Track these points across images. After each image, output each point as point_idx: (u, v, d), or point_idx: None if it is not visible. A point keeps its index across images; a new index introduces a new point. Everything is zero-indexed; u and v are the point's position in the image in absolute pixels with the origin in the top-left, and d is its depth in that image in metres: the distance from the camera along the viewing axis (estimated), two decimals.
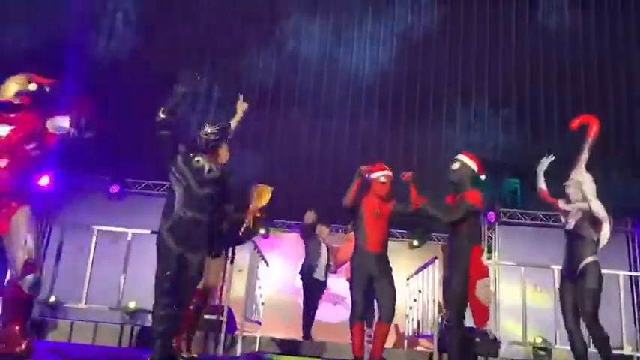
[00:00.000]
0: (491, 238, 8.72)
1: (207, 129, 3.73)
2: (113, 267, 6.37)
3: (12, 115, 3.04)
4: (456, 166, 4.16)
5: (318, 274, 7.08)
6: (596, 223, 3.95)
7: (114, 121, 9.90)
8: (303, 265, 7.22)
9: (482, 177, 4.19)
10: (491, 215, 8.61)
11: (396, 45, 10.80)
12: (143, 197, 8.51)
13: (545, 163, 4.47)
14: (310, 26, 10.74)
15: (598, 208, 3.91)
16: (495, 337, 6.61)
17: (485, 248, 8.70)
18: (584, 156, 4.11)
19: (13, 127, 2.99)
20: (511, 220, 8.85)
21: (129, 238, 6.30)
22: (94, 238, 6.26)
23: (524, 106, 10.34)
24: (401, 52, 10.79)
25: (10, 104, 3.06)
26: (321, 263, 7.10)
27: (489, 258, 8.48)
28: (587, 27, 10.37)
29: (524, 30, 10.51)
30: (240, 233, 4.27)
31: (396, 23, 10.85)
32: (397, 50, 10.79)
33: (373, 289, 4.38)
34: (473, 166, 4.16)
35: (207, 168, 3.64)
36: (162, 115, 3.52)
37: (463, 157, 4.19)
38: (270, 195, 4.49)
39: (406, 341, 7.55)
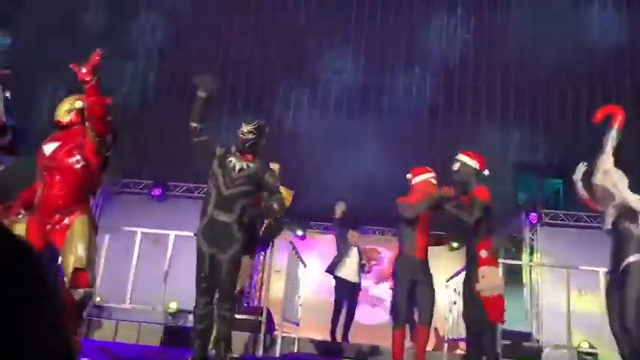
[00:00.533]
0: (533, 240, 8.51)
1: (244, 127, 3.65)
2: (156, 268, 6.53)
3: (60, 133, 3.17)
4: (455, 166, 4.13)
5: (349, 274, 7.01)
6: (635, 219, 3.78)
7: (155, 126, 10.28)
8: (331, 262, 7.20)
9: (486, 172, 4.10)
10: (533, 216, 8.41)
11: (432, 65, 10.72)
12: (184, 200, 8.68)
13: (580, 170, 4.21)
14: (344, 61, 10.79)
15: (635, 201, 3.70)
16: (538, 341, 6.48)
17: (528, 250, 8.51)
18: (609, 149, 3.78)
19: (59, 144, 3.11)
20: (553, 222, 8.61)
21: (171, 240, 6.44)
22: (138, 240, 6.41)
23: (566, 105, 10.09)
24: (437, 65, 10.71)
25: (60, 123, 3.19)
26: (352, 264, 7.04)
27: (531, 260, 8.29)
28: (633, 28, 10.04)
29: (565, 30, 10.25)
30: (261, 233, 4.30)
31: (430, 48, 10.77)
32: (433, 66, 10.71)
33: (415, 294, 4.36)
34: (473, 163, 4.09)
35: (238, 167, 3.60)
36: (193, 125, 3.57)
37: (462, 157, 4.14)
38: (291, 198, 4.50)
39: (446, 345, 7.45)
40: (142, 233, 6.55)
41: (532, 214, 8.40)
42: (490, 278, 3.87)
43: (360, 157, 10.04)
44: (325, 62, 10.81)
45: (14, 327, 0.58)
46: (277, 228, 4.73)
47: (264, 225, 4.34)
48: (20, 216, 3.14)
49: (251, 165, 3.63)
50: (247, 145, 3.63)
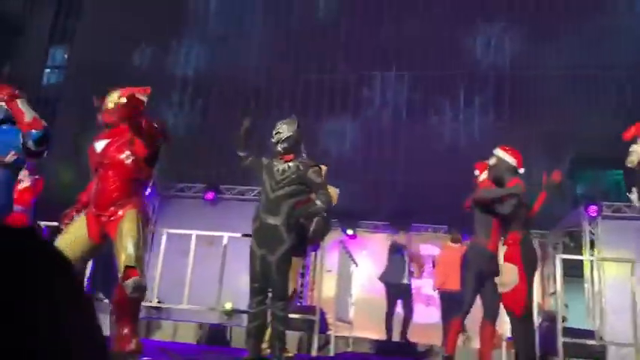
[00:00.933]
0: (593, 234, 8.17)
1: (273, 131, 3.79)
2: (211, 269, 6.67)
3: (109, 131, 3.31)
4: (492, 161, 4.09)
5: (399, 277, 7.16)
6: None
7: (206, 135, 10.58)
8: (383, 271, 7.38)
9: (521, 170, 4.02)
10: (593, 209, 8.06)
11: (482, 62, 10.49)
12: (235, 202, 8.84)
13: (635, 198, 4.09)
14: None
15: None
16: (602, 339, 6.23)
17: (588, 244, 8.18)
18: None
19: (109, 141, 3.25)
20: (615, 214, 8.23)
21: (224, 242, 6.56)
22: (193, 242, 6.57)
23: (626, 94, 9.65)
24: (488, 63, 10.44)
25: (108, 121, 3.33)
26: (401, 267, 7.18)
27: (592, 255, 7.97)
28: None
29: (623, 19, 9.84)
30: (310, 233, 4.33)
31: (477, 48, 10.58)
32: (483, 63, 10.47)
33: (482, 287, 4.27)
34: (510, 160, 4.03)
35: (280, 169, 3.70)
36: (240, 154, 3.79)
37: (499, 152, 4.09)
38: (336, 196, 4.51)
39: (504, 343, 7.28)
40: (197, 235, 6.69)
41: (591, 206, 8.04)
42: (505, 274, 3.82)
43: (411, 157, 9.95)
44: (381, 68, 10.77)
45: (36, 338, 0.57)
46: (325, 228, 4.74)
47: (312, 225, 4.37)
48: (81, 215, 3.30)
49: (292, 165, 3.71)
50: (280, 144, 3.74)
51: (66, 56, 12.45)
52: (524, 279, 3.76)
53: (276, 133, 3.76)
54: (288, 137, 3.74)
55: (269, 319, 3.74)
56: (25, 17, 11.78)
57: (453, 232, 7.40)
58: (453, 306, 6.45)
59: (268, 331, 3.92)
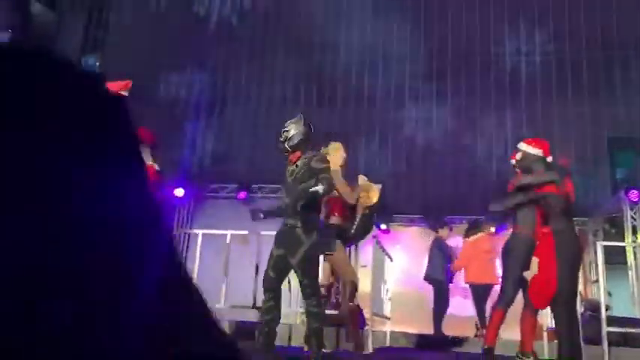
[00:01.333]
0: (634, 219, 7.92)
1: (282, 130, 3.80)
2: (247, 268, 6.73)
3: None
4: (518, 156, 4.06)
5: (436, 273, 7.18)
6: None
7: (236, 136, 10.69)
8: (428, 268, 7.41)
9: (549, 159, 3.96)
10: (634, 194, 7.81)
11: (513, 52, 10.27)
12: (267, 201, 8.91)
13: None
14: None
15: None
16: None
17: (630, 230, 7.94)
18: None
19: None
20: None
21: (258, 240, 6.60)
22: (228, 241, 6.63)
23: None
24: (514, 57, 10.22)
25: None
26: (438, 262, 7.20)
27: (634, 241, 7.73)
28: None
29: None
30: (353, 231, 4.32)
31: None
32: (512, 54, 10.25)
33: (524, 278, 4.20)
34: (535, 151, 3.98)
35: (289, 173, 3.75)
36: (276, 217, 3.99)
37: (523, 146, 4.05)
38: (378, 193, 4.49)
39: (545, 333, 7.13)
40: (232, 235, 6.75)
41: (632, 191, 7.79)
42: (532, 267, 3.76)
43: (444, 149, 9.83)
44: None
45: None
46: (366, 227, 4.70)
47: (356, 223, 4.37)
48: None
49: (299, 163, 3.73)
50: (287, 142, 3.75)
51: (97, 64, 12.76)
52: (547, 270, 3.65)
53: (283, 132, 3.78)
54: (294, 135, 3.75)
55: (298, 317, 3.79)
56: (58, 28, 12.13)
57: (466, 227, 7.42)
58: (477, 298, 6.50)
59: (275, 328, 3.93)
